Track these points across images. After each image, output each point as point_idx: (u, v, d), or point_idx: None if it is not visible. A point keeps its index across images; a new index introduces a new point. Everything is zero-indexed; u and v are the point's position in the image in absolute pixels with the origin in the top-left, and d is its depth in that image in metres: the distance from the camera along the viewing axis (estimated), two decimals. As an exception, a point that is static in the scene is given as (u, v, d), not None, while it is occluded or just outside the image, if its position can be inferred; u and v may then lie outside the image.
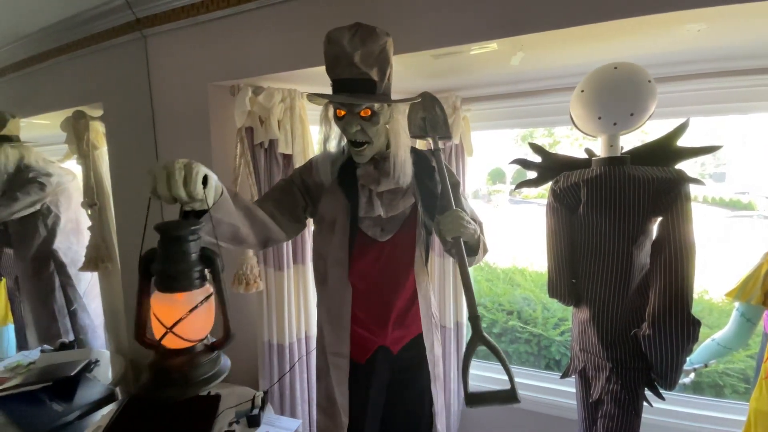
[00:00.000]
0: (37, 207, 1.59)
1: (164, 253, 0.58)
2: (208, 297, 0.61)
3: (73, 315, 1.72)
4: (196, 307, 0.58)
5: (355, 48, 0.88)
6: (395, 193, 1.04)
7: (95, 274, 1.80)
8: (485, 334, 0.87)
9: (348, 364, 1.06)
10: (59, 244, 1.67)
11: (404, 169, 1.00)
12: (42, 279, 1.66)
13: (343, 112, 0.95)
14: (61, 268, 1.68)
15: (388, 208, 1.03)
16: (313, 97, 0.98)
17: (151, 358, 0.61)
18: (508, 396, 0.83)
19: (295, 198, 1.04)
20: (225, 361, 0.65)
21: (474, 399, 0.83)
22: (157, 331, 0.59)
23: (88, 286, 1.79)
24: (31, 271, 1.65)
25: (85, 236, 1.76)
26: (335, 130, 1.04)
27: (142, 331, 0.62)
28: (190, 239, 0.59)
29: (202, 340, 0.62)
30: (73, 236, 1.74)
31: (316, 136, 1.53)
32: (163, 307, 0.58)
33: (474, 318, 0.89)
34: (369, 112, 0.94)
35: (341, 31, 0.90)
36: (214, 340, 0.65)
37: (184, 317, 0.57)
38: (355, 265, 1.04)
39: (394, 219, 1.05)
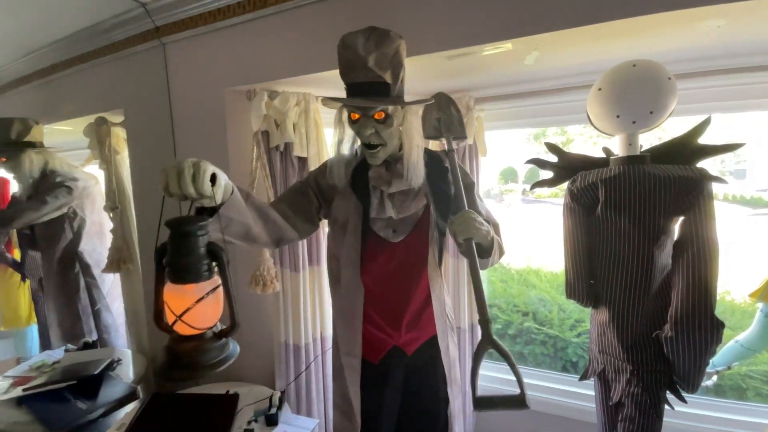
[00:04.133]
0: (64, 210, 1.63)
1: (174, 247, 0.62)
2: (215, 288, 0.65)
3: (97, 314, 1.77)
4: (203, 297, 0.63)
5: (369, 51, 0.89)
6: (407, 194, 1.04)
7: (117, 276, 1.84)
8: (495, 338, 0.86)
9: (360, 364, 1.07)
10: (84, 246, 1.72)
11: (417, 170, 1.00)
12: (68, 280, 1.71)
13: (357, 116, 0.96)
14: (87, 269, 1.73)
15: (399, 210, 1.03)
16: (327, 101, 0.99)
17: (166, 342, 0.66)
18: (518, 401, 0.81)
19: (309, 199, 1.06)
20: (233, 348, 0.69)
21: (482, 403, 0.81)
22: (169, 318, 0.64)
23: (111, 287, 1.84)
24: (57, 272, 1.69)
25: (108, 238, 1.80)
26: (349, 133, 1.05)
27: (159, 316, 0.68)
28: (198, 234, 0.63)
29: (210, 328, 0.67)
30: (97, 238, 1.79)
31: (330, 139, 1.55)
32: (175, 296, 0.63)
33: (484, 322, 0.88)
34: (383, 115, 0.95)
35: (355, 35, 0.91)
36: (223, 328, 0.69)
37: (191, 307, 0.62)
38: (368, 266, 1.05)
39: (406, 220, 1.05)
